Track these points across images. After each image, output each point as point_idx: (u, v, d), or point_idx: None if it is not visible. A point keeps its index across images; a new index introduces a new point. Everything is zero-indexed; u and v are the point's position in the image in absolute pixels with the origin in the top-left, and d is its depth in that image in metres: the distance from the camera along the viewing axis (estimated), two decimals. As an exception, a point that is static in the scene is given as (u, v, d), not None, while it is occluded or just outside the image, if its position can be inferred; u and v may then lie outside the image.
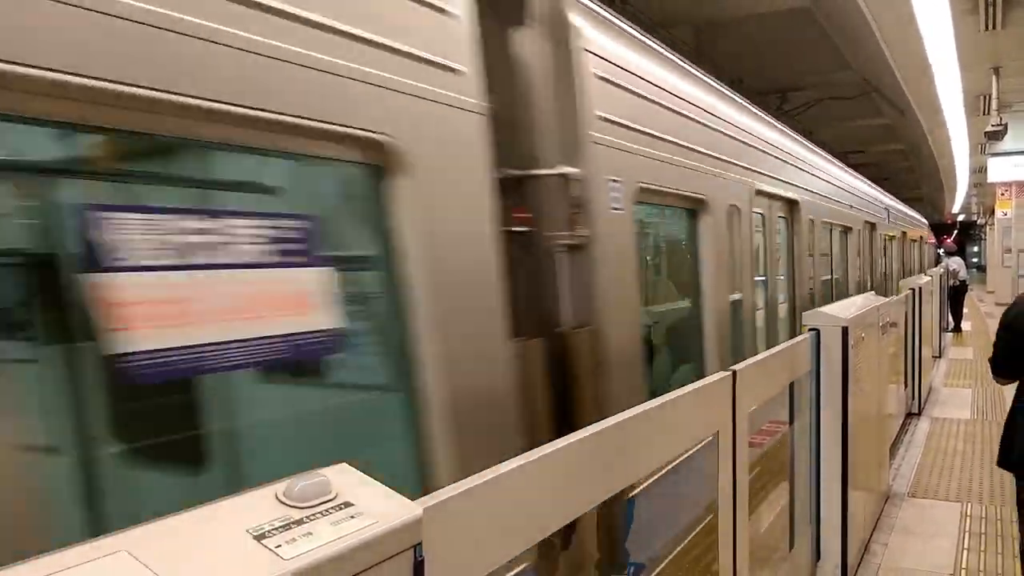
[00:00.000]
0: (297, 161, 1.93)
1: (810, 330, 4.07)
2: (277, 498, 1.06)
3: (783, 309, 6.06)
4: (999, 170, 14.63)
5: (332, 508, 1.06)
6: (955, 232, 42.89)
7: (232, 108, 1.60)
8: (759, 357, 3.20)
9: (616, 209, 3.18)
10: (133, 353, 1.42)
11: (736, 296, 4.71)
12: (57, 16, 1.30)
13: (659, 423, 2.19)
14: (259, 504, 1.05)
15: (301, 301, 1.79)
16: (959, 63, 8.23)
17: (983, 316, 18.88)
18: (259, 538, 0.96)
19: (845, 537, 4.14)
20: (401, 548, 1.08)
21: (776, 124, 6.57)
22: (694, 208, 4.27)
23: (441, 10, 2.27)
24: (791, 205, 6.35)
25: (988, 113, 9.79)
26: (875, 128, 19.19)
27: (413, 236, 2.10)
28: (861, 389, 4.46)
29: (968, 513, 5.48)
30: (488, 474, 1.44)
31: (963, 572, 4.51)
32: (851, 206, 9.56)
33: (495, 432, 2.35)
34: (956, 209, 35.64)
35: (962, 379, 11.13)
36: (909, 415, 8.61)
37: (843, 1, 8.17)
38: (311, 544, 0.97)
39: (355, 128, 1.92)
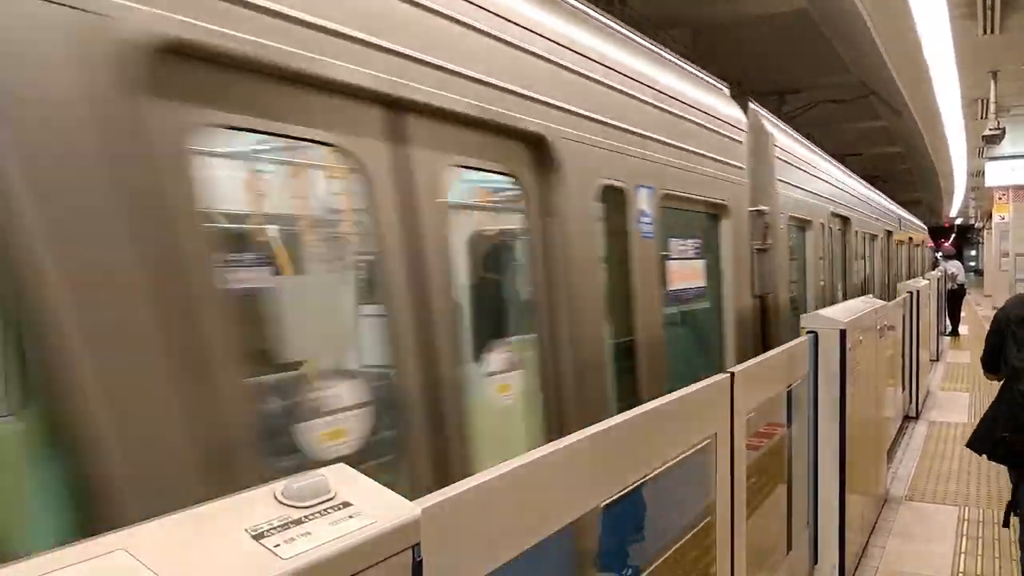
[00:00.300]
0: (700, 214, 4.56)
1: (808, 333, 4.07)
2: (276, 498, 1.06)
3: (841, 292, 8.95)
4: (997, 174, 14.60)
5: (331, 508, 1.06)
6: (952, 236, 42.96)
7: (693, 196, 4.22)
8: (757, 359, 3.20)
9: (782, 228, 5.82)
10: (671, 290, 4.04)
11: (821, 281, 7.68)
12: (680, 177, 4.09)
13: (658, 424, 2.19)
14: (258, 503, 1.04)
15: (698, 274, 4.48)
16: (957, 67, 8.24)
17: (980, 320, 18.88)
18: (257, 537, 0.96)
19: (842, 540, 4.14)
20: (400, 548, 1.07)
21: (836, 163, 9.67)
22: (803, 226, 7.02)
23: (740, 142, 5.01)
24: (845, 221, 9.14)
25: (986, 117, 9.79)
26: (873, 131, 19.24)
27: (728, 245, 4.77)
28: (858, 392, 4.46)
29: (965, 517, 5.48)
30: (488, 474, 1.44)
31: None
32: (876, 218, 12.39)
33: (747, 340, 4.96)
34: (954, 213, 35.67)
35: (959, 383, 11.14)
36: (906, 419, 8.61)
37: (840, 4, 8.18)
38: (309, 544, 0.96)
39: (721, 199, 4.59)
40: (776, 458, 4.03)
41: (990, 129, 9.37)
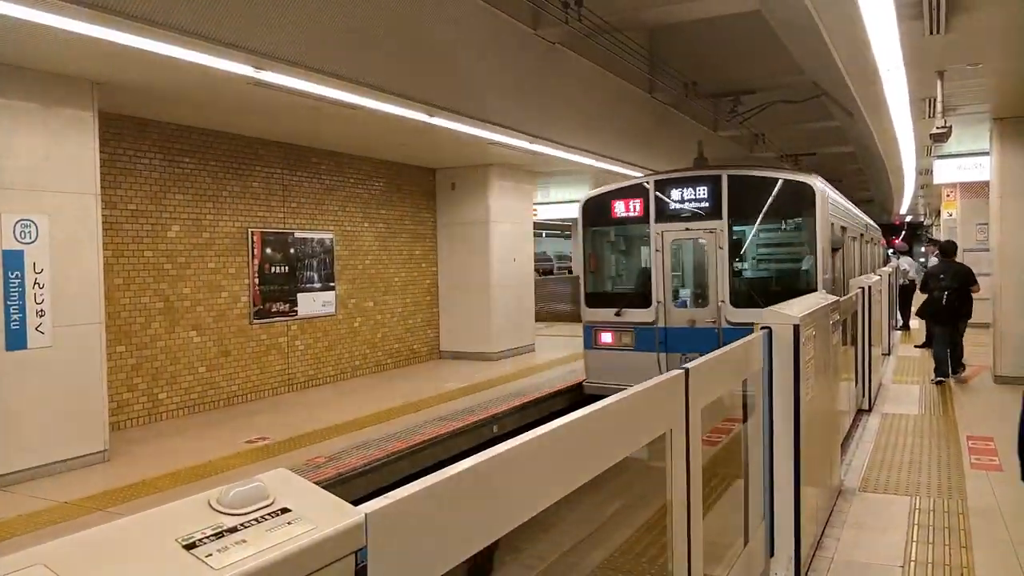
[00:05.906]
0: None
1: (762, 328, 4.11)
2: (210, 505, 1.02)
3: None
4: (944, 172, 14.96)
5: (268, 515, 1.03)
6: (903, 233, 44.02)
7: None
8: (712, 355, 3.22)
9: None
10: None
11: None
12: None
13: (612, 422, 2.18)
14: (191, 512, 1.00)
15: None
16: (905, 67, 8.42)
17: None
18: (189, 547, 0.92)
19: (798, 532, 4.19)
20: (341, 554, 1.04)
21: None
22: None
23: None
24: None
25: (933, 116, 10.03)
26: (826, 131, 19.57)
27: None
28: (812, 386, 4.53)
29: (917, 507, 5.60)
30: (440, 475, 1.41)
31: (913, 564, 4.60)
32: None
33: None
34: (904, 210, 36.52)
35: (911, 376, 11.41)
36: (860, 412, 8.78)
37: (791, 4, 8.31)
38: (244, 552, 0.93)
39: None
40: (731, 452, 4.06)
41: (937, 128, 9.58)
